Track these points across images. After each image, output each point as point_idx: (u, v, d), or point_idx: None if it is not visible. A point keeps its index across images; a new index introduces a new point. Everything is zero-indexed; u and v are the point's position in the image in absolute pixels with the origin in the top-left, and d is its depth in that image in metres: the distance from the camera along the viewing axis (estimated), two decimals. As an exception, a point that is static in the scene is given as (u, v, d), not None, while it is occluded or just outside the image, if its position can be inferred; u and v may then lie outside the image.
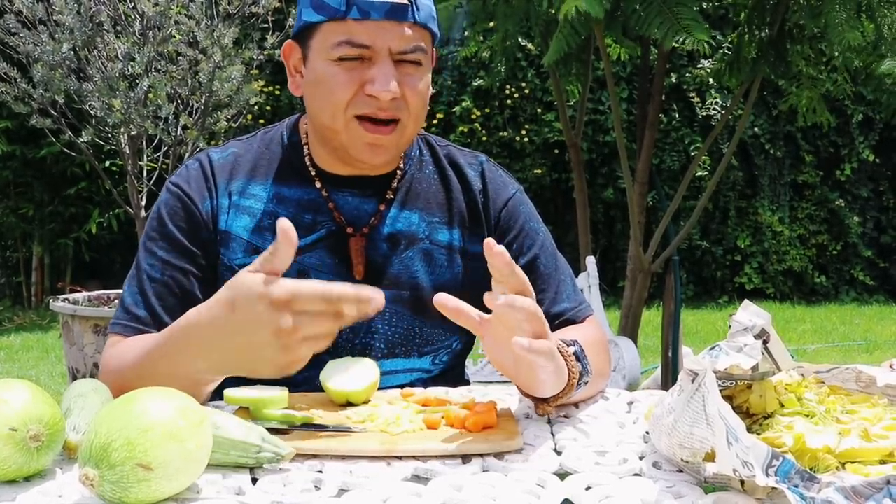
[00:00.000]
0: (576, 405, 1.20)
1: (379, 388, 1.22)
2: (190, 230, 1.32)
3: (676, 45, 3.25)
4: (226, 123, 4.35)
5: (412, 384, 1.36)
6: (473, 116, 8.27)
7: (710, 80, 8.21)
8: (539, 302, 1.35)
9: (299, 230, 1.32)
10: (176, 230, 1.31)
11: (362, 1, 1.22)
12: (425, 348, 1.37)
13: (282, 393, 1.08)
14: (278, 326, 0.95)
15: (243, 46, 4.39)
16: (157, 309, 1.28)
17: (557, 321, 1.36)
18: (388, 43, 1.24)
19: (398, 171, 1.39)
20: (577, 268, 4.02)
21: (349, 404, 1.15)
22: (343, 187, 1.36)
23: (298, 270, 1.30)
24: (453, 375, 1.44)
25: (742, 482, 0.81)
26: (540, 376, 1.03)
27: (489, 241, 0.99)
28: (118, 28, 4.12)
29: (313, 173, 1.36)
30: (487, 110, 8.32)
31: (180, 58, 4.22)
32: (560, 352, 1.07)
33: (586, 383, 1.13)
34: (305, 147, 1.38)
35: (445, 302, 1.03)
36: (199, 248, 1.32)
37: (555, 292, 1.39)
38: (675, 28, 3.13)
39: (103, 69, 4.05)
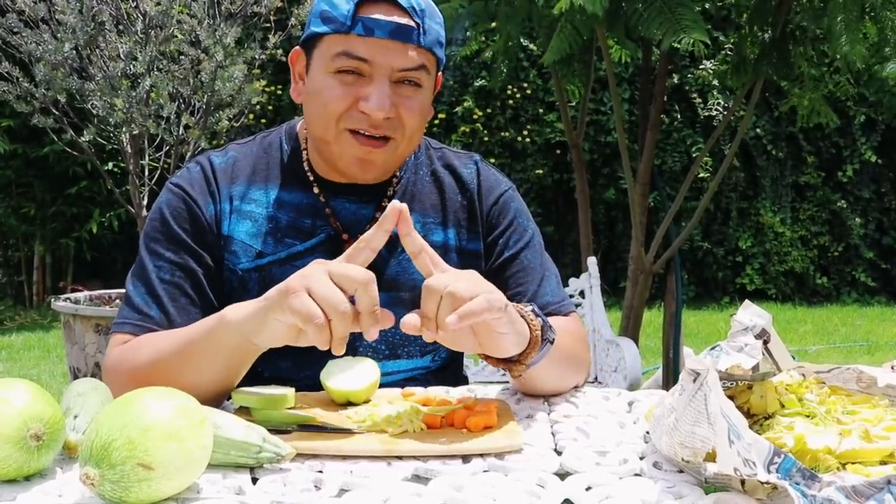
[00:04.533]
0: (575, 405, 1.20)
1: (380, 388, 1.21)
2: (194, 232, 1.31)
3: (676, 47, 3.25)
4: (228, 123, 4.35)
5: (413, 378, 1.37)
6: (475, 116, 8.28)
7: (713, 81, 8.23)
8: (520, 295, 1.36)
9: (299, 234, 1.33)
10: (181, 231, 1.30)
11: (369, 18, 1.22)
12: (427, 347, 1.37)
13: (288, 393, 1.08)
14: (304, 281, 1.01)
15: (245, 46, 4.39)
16: (171, 309, 1.27)
17: None
18: (389, 62, 1.23)
19: (395, 179, 1.39)
20: (579, 268, 4.02)
21: (350, 404, 1.16)
22: (340, 194, 1.36)
23: None
24: (452, 370, 1.45)
25: (743, 482, 0.81)
26: (499, 330, 1.03)
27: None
28: (120, 27, 4.12)
29: (311, 179, 1.36)
30: (489, 110, 8.33)
31: (182, 57, 4.22)
32: (517, 311, 1.08)
33: (552, 341, 1.13)
34: (304, 153, 1.38)
35: (409, 324, 1.04)
36: (205, 249, 1.31)
37: (537, 286, 1.39)
38: (675, 28, 3.13)
39: (105, 68, 4.06)
